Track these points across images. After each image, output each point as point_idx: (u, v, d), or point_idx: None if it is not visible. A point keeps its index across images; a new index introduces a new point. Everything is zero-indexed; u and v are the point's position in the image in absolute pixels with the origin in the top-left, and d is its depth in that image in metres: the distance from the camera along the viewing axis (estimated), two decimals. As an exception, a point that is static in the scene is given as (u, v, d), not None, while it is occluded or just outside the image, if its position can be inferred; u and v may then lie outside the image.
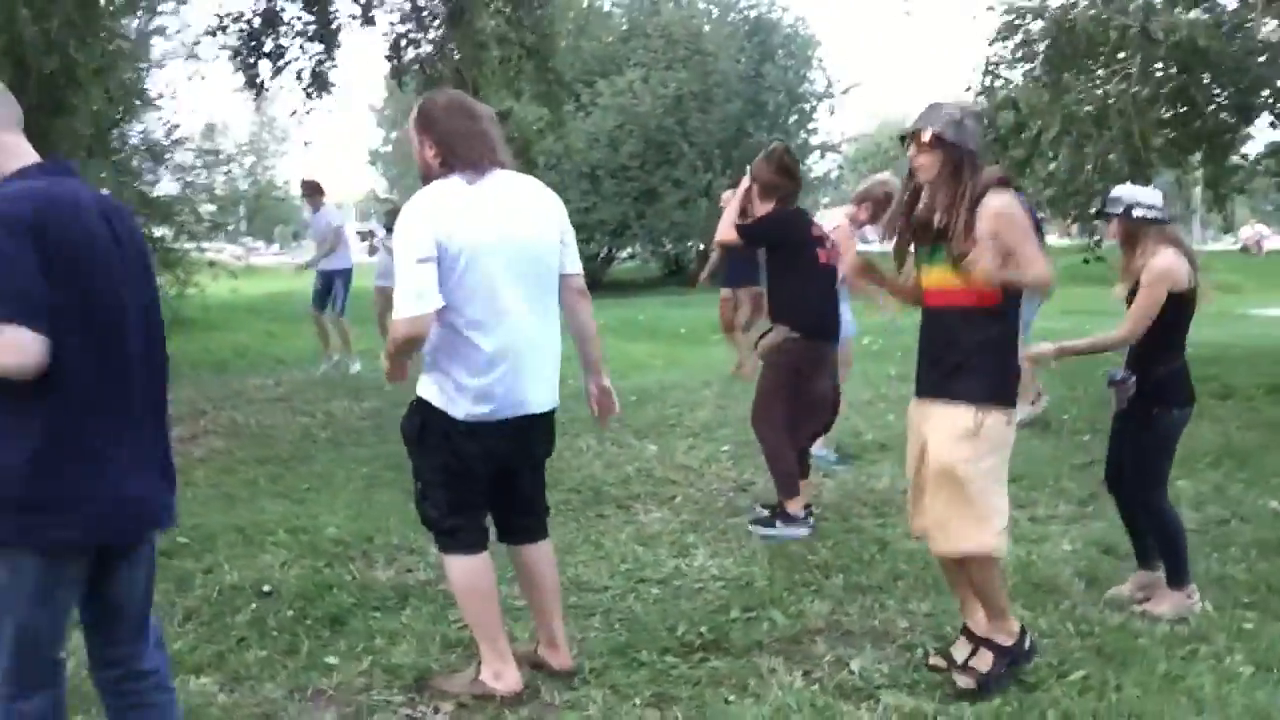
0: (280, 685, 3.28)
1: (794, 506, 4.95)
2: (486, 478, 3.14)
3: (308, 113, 11.75)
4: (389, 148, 59.17)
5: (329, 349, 10.15)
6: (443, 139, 3.02)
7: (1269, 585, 4.17)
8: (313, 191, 10.14)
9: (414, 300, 2.85)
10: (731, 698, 3.21)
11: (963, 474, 3.14)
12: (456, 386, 2.99)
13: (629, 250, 26.60)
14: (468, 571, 3.14)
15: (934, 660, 3.44)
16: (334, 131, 52.51)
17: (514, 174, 3.16)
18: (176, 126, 15.41)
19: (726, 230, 5.07)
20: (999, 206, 3.08)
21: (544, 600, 3.36)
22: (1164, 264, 3.71)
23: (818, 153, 28.03)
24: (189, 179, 16.39)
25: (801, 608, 3.96)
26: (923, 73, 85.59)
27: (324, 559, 4.46)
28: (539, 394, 3.10)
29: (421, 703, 3.19)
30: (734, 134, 24.02)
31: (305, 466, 6.24)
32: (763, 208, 5.10)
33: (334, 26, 10.95)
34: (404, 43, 10.87)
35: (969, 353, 3.15)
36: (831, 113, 28.49)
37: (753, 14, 26.24)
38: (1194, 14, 7.20)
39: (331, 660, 3.44)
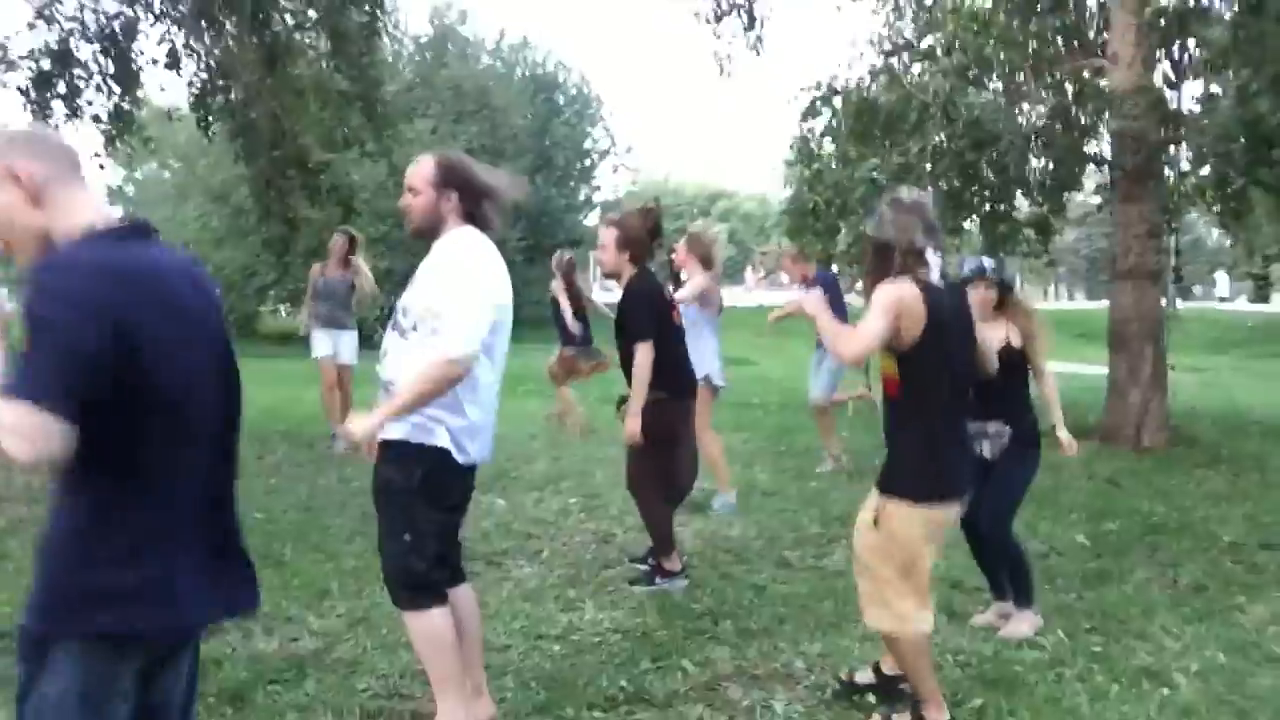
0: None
1: (670, 563, 5.06)
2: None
3: (108, 156, 10.99)
4: (131, 187, 55.76)
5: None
6: (469, 195, 3.11)
7: (1103, 611, 4.68)
8: None
9: (472, 341, 2.92)
10: (671, 748, 3.28)
11: (865, 561, 3.34)
12: (467, 428, 3.02)
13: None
14: (443, 622, 3.10)
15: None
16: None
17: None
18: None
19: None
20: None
21: (472, 645, 3.34)
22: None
23: (597, 210, 28.68)
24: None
25: (706, 655, 4.08)
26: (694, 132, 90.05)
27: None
28: None
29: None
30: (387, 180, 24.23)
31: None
32: (614, 259, 5.16)
33: (135, 69, 10.34)
34: (209, 88, 10.38)
35: (890, 440, 3.39)
36: (615, 170, 29.28)
37: (539, 71, 26.71)
38: (984, 96, 8.08)
39: (248, 741, 3.24)
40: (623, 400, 5.21)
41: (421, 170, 3.13)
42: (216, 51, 10.17)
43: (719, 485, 6.67)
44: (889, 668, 3.67)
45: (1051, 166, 9.44)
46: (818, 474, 7.87)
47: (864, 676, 3.75)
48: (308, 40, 10.38)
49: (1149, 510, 6.71)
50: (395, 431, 3.01)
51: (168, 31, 10.37)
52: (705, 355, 6.24)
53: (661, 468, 5.11)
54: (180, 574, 1.84)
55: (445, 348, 2.90)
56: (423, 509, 3.05)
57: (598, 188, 28.23)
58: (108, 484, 1.78)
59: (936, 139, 7.99)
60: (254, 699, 3.54)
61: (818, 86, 10.30)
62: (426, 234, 3.15)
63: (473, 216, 3.12)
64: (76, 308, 1.69)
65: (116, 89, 10.73)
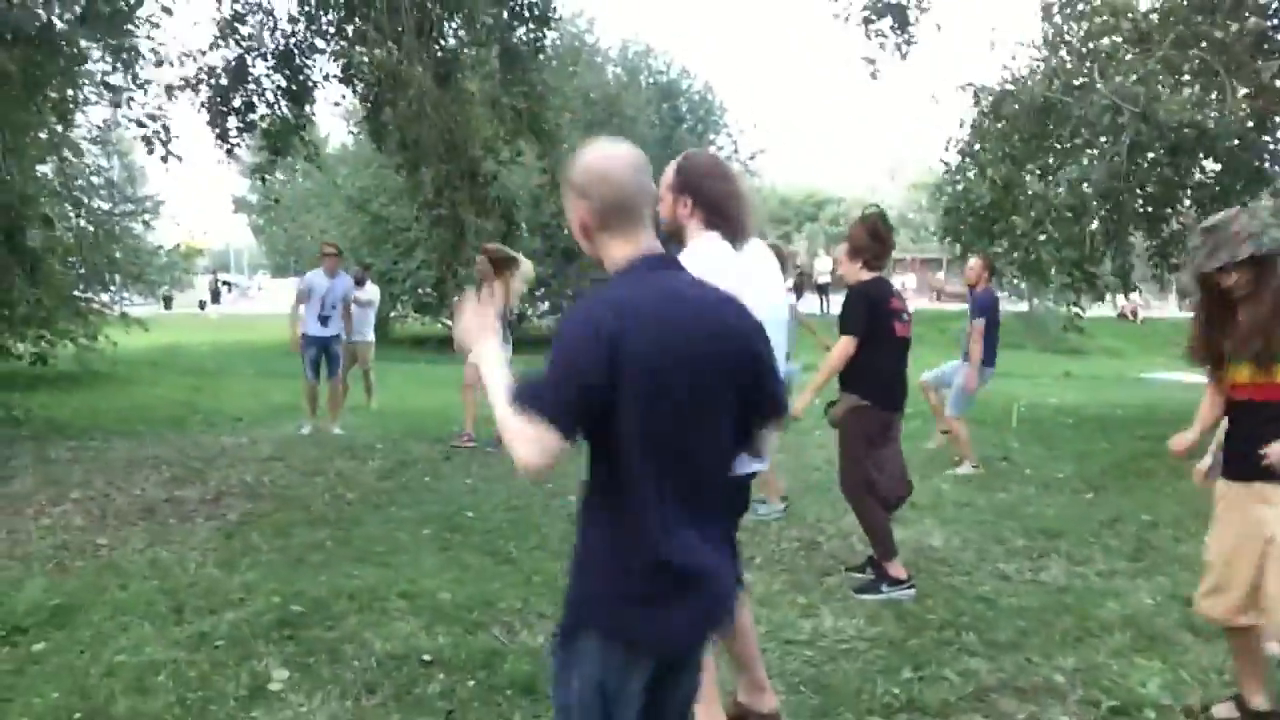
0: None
1: (895, 569, 5.07)
2: None
3: (271, 169, 11.49)
4: (254, 197, 58.14)
5: (313, 413, 9.85)
6: (706, 200, 3.07)
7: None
8: (334, 254, 9.92)
9: None
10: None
11: None
12: None
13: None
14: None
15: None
16: (192, 181, 50.76)
17: (758, 240, 3.25)
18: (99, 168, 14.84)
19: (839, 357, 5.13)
20: None
21: (747, 643, 3.41)
22: None
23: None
24: (105, 225, 15.73)
25: (964, 666, 4.07)
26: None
27: (461, 625, 4.34)
28: None
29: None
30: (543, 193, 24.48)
31: (358, 529, 6.03)
32: (849, 267, 5.28)
33: (309, 84, 10.80)
34: (380, 101, 10.75)
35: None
36: (736, 178, 29.21)
37: (663, 79, 26.89)
38: (1187, 93, 7.87)
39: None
40: (831, 403, 5.26)
41: (666, 174, 3.14)
42: (389, 66, 10.51)
43: (769, 494, 6.74)
44: (1259, 704, 3.57)
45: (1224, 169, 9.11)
46: (1004, 488, 7.73)
47: (1223, 711, 3.64)
48: (479, 54, 10.66)
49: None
50: None
51: (342, 48, 10.77)
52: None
53: (868, 472, 5.14)
54: (678, 594, 1.93)
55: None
56: None
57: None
58: (620, 503, 1.90)
59: (1125, 142, 7.78)
60: (541, 689, 3.67)
61: (979, 91, 10.18)
62: (675, 239, 3.12)
63: (712, 224, 3.06)
64: (586, 334, 1.84)
65: (287, 103, 11.22)
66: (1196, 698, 3.76)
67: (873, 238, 5.27)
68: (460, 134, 10.15)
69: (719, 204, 3.08)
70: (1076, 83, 8.80)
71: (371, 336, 12.17)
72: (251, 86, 10.97)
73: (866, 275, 5.24)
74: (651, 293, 1.95)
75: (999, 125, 10.03)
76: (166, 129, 10.31)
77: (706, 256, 2.93)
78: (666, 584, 1.92)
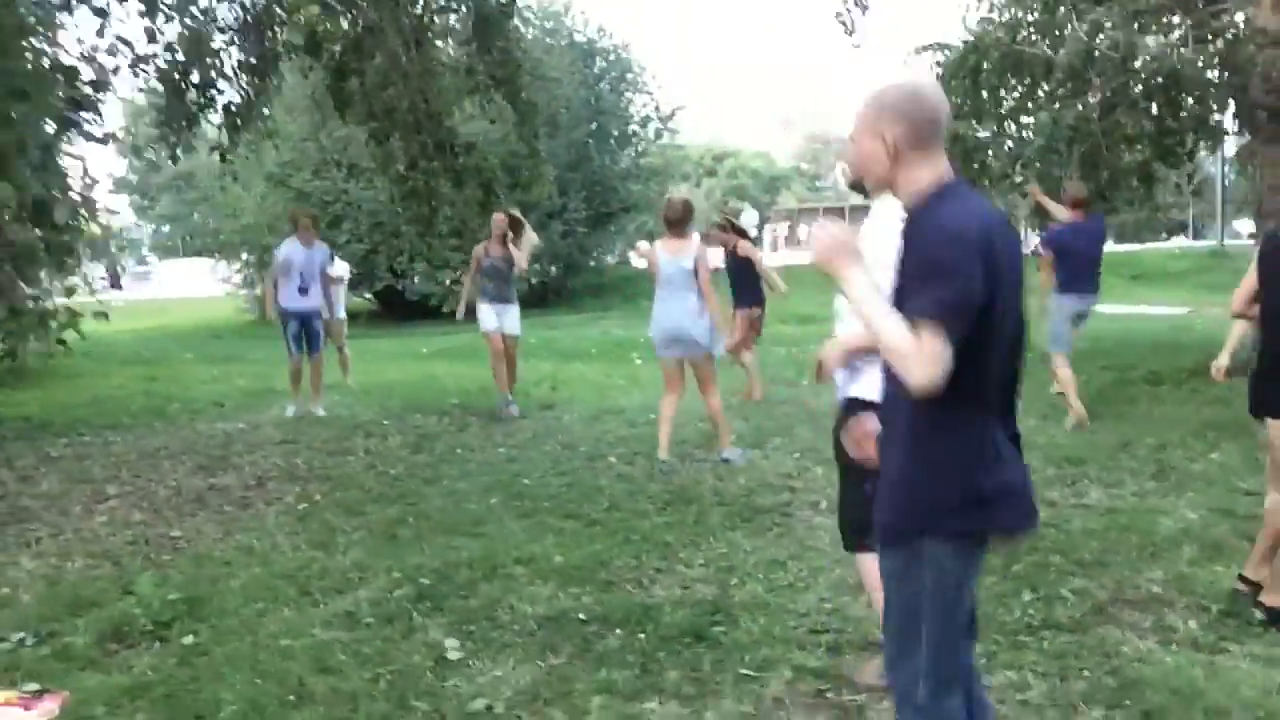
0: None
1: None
2: None
3: (234, 149, 11.10)
4: (135, 176, 55.81)
5: (297, 393, 9.65)
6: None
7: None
8: (309, 226, 9.65)
9: None
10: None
11: None
12: None
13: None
14: None
15: None
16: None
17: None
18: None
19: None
20: None
21: None
22: None
23: (641, 178, 28.62)
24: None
25: (1071, 585, 4.38)
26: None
27: (592, 585, 4.48)
28: None
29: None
30: (578, 158, 24.40)
31: (427, 504, 6.07)
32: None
33: (272, 53, 10.50)
34: (346, 71, 10.52)
35: None
36: (658, 137, 29.28)
37: (581, 38, 26.71)
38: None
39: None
40: None
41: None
42: (354, 34, 10.30)
43: (723, 440, 7.06)
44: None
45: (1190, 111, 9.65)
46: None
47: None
48: (449, 21, 10.49)
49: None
50: (863, 393, 3.17)
51: (303, 17, 10.49)
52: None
53: None
54: (1015, 479, 2.17)
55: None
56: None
57: (644, 154, 28.25)
58: (971, 410, 2.10)
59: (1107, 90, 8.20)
60: (716, 637, 3.85)
61: (940, 45, 10.52)
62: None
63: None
64: (967, 252, 2.00)
65: (248, 78, 10.89)
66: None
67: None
68: (434, 103, 10.03)
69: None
70: (1032, 35, 9.17)
71: (343, 313, 12.01)
72: (210, 61, 10.60)
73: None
74: (982, 209, 2.13)
75: (964, 80, 10.36)
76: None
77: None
78: (1004, 484, 2.14)
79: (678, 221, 6.87)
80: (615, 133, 26.23)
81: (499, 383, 9.23)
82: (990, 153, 9.80)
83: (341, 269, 11.93)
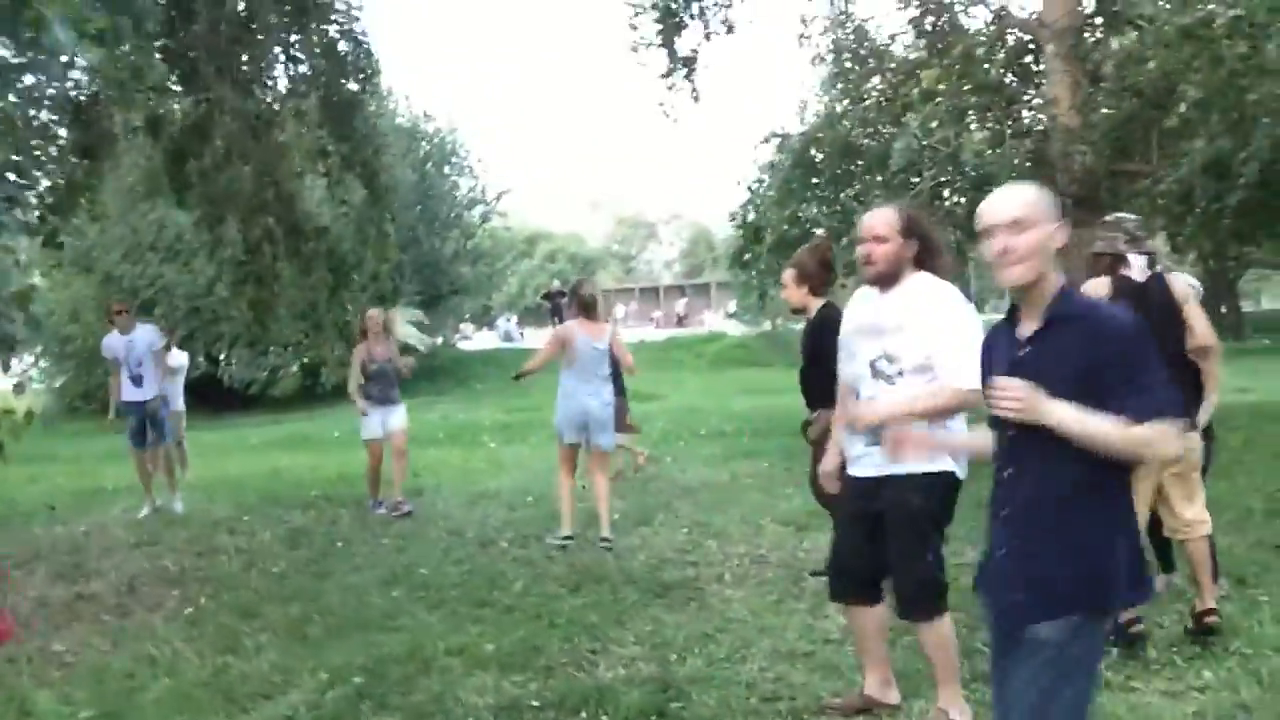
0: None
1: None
2: None
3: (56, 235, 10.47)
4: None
5: (150, 492, 9.02)
6: (927, 246, 3.59)
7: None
8: (121, 312, 9.15)
9: (977, 378, 3.35)
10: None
11: None
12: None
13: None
14: (951, 625, 3.62)
15: None
16: None
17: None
18: None
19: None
20: None
21: (883, 645, 3.88)
22: None
23: (470, 260, 28.69)
24: None
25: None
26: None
27: (530, 671, 4.45)
28: None
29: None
30: (407, 241, 24.23)
31: (327, 600, 5.84)
32: (799, 294, 5.75)
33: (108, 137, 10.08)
34: (182, 154, 10.19)
35: None
36: (485, 220, 29.44)
37: (403, 122, 26.73)
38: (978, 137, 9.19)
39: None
40: (807, 423, 5.77)
41: (886, 218, 3.58)
42: (195, 116, 10.03)
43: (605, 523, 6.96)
44: None
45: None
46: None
47: None
48: (299, 105, 10.33)
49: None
50: (910, 465, 3.38)
51: (148, 99, 10.15)
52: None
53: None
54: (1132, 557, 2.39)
55: (960, 382, 3.33)
56: (939, 525, 3.56)
57: (472, 236, 28.32)
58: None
59: (932, 182, 8.98)
60: (672, 713, 3.92)
61: (779, 134, 11.24)
62: (886, 280, 3.58)
63: (923, 265, 3.57)
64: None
65: (76, 159, 10.40)
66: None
67: (823, 266, 5.83)
68: (284, 186, 9.83)
69: (936, 250, 3.61)
70: (875, 129, 9.97)
71: (181, 405, 11.39)
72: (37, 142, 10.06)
73: (815, 301, 5.75)
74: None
75: (798, 170, 11.06)
76: None
77: (941, 287, 3.51)
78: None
79: (594, 305, 6.99)
80: (442, 216, 26.21)
81: (370, 488, 8.76)
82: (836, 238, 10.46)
83: (179, 359, 11.36)
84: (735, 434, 13.04)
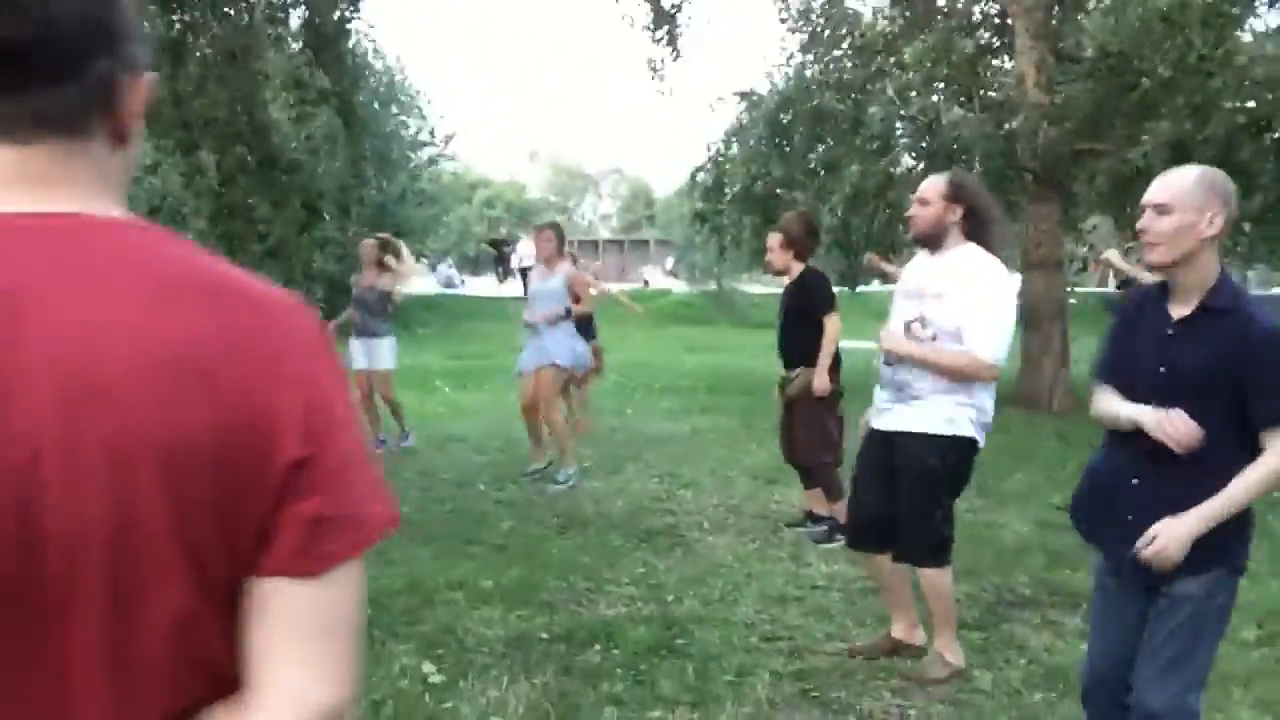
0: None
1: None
2: None
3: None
4: None
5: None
6: (972, 214, 3.70)
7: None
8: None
9: (1002, 350, 3.55)
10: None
11: None
12: (986, 422, 3.67)
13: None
14: (950, 576, 3.82)
15: None
16: None
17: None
18: None
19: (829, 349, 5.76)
20: None
21: (905, 588, 4.07)
22: None
23: (416, 203, 28.29)
24: None
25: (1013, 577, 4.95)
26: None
27: (532, 607, 4.58)
28: None
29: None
30: (352, 180, 23.79)
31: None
32: (783, 258, 5.93)
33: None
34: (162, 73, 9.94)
35: None
36: (432, 163, 29.03)
37: (352, 58, 26.10)
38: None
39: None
40: (785, 380, 5.95)
41: (934, 184, 3.72)
42: (169, 37, 9.77)
43: (565, 460, 7.26)
44: None
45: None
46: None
47: None
48: (281, 33, 10.12)
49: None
50: (933, 425, 3.62)
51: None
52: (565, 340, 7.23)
53: (831, 436, 5.89)
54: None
55: (980, 353, 3.53)
56: (949, 489, 3.74)
57: (418, 178, 27.91)
58: (1250, 444, 2.45)
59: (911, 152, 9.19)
60: (678, 648, 4.07)
61: (746, 93, 11.35)
62: (929, 242, 3.74)
63: (972, 234, 3.70)
64: None
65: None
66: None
67: (808, 232, 5.99)
68: (259, 116, 9.65)
69: (985, 219, 3.71)
70: (848, 95, 10.13)
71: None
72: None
73: (797, 265, 5.92)
74: None
75: (767, 129, 11.17)
76: None
77: (984, 259, 3.61)
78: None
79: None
80: (390, 155, 25.75)
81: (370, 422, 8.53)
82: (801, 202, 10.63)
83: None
84: (690, 390, 13.20)
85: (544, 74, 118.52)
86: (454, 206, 50.78)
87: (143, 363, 0.77)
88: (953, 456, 3.69)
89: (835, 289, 6.22)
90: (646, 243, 59.26)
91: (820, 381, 5.71)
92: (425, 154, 28.36)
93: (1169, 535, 2.41)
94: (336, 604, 0.85)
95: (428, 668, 3.87)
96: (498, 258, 29.65)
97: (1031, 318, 10.89)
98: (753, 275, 26.11)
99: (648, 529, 6.05)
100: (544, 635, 4.21)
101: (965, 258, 3.67)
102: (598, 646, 4.10)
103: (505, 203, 74.15)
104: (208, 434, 0.78)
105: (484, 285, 36.08)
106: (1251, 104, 8.61)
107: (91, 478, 0.75)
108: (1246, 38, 9.82)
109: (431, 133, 27.71)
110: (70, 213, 0.83)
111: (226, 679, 0.83)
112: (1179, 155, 9.04)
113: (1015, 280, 3.77)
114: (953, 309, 3.60)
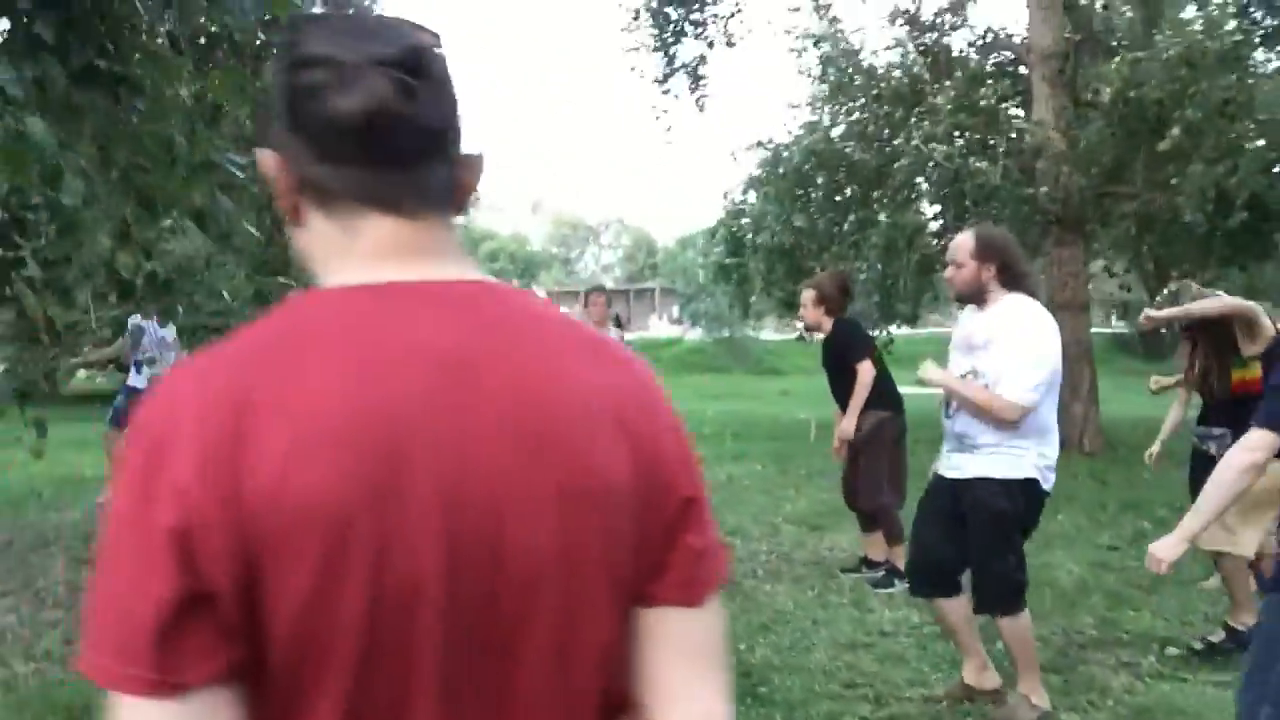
0: None
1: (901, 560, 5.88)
2: None
3: None
4: None
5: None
6: (1005, 268, 3.77)
7: None
8: None
9: (1031, 395, 3.57)
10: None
11: None
12: (1049, 465, 3.71)
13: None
14: (1029, 620, 3.87)
15: None
16: None
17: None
18: None
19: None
20: None
21: (969, 630, 4.08)
22: None
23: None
24: None
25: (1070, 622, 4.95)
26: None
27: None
28: None
29: None
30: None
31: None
32: (815, 315, 6.05)
33: None
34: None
35: None
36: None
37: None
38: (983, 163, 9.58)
39: None
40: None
41: (963, 244, 3.82)
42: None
43: None
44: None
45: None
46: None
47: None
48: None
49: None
50: (996, 470, 3.67)
51: None
52: None
53: (889, 473, 5.94)
54: None
55: (1006, 391, 3.61)
56: (1018, 530, 3.79)
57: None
58: None
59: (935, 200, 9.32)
60: (762, 695, 4.08)
61: (766, 144, 11.54)
62: (971, 300, 3.84)
63: (1009, 284, 3.77)
64: None
65: None
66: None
67: (841, 291, 6.13)
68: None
69: (1018, 270, 3.80)
70: (872, 144, 10.31)
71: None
72: None
73: (828, 320, 6.05)
74: None
75: (791, 180, 11.33)
76: None
77: (1025, 306, 3.68)
78: None
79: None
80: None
81: None
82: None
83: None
84: (716, 437, 13.23)
85: (546, 125, 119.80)
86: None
87: (583, 414, 0.85)
88: (1020, 499, 3.72)
89: (892, 328, 6.39)
90: (652, 291, 59.63)
91: (847, 424, 5.85)
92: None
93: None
94: (715, 628, 0.93)
95: None
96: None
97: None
98: (780, 324, 26.22)
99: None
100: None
101: (1008, 307, 3.74)
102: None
103: (508, 254, 74.81)
104: (630, 476, 0.86)
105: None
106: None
107: (546, 520, 0.82)
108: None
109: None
110: (475, 279, 0.90)
111: (616, 706, 0.89)
112: (1218, 197, 9.17)
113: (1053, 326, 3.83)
114: (998, 357, 3.67)
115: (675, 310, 47.44)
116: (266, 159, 0.90)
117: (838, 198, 11.12)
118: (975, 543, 3.79)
